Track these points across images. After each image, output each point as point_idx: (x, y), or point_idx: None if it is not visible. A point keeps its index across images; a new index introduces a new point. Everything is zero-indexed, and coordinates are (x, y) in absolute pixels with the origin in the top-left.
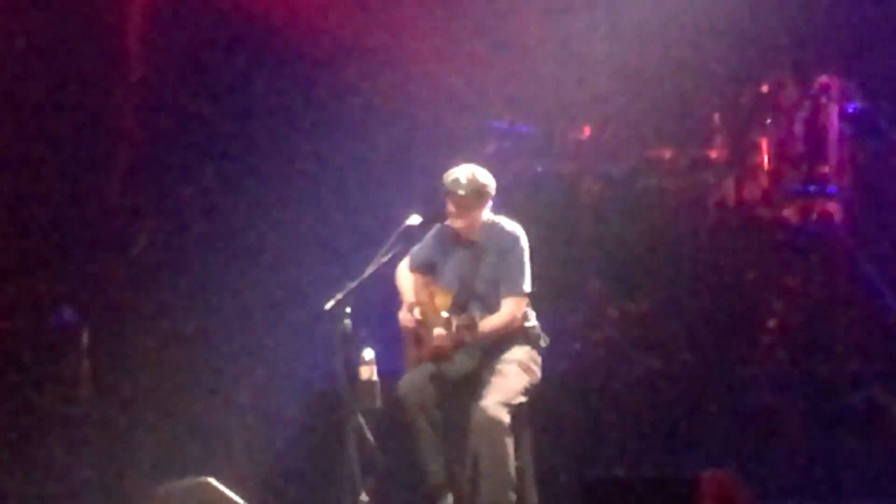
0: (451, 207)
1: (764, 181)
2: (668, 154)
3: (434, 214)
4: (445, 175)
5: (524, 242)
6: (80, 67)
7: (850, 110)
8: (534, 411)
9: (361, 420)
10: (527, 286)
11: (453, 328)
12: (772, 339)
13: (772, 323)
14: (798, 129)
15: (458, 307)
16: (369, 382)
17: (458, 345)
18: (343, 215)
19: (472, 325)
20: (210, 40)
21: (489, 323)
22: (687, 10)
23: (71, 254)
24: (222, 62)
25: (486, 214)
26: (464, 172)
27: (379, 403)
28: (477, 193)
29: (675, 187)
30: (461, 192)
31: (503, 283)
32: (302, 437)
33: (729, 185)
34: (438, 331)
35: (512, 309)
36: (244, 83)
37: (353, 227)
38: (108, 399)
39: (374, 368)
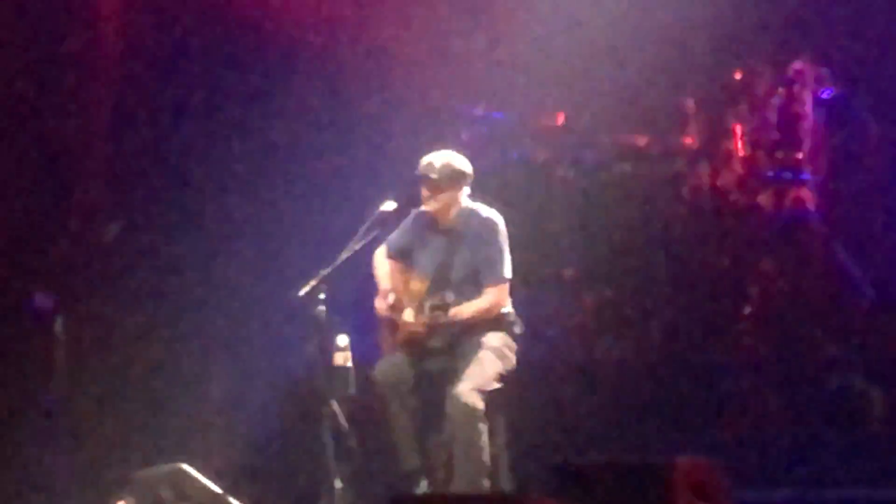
0: (424, 192)
1: (738, 168)
2: (641, 141)
3: (410, 200)
4: (421, 160)
5: (502, 229)
6: (53, 54)
7: (825, 97)
8: (508, 398)
9: (336, 406)
10: (507, 272)
11: (426, 312)
12: (747, 325)
13: (747, 310)
14: (772, 115)
15: (434, 294)
16: (344, 369)
17: (431, 329)
18: (318, 201)
19: (443, 307)
20: (184, 30)
21: (469, 309)
22: None
23: (44, 241)
24: (196, 52)
25: (464, 201)
26: (438, 157)
27: (353, 390)
28: (450, 177)
29: (648, 174)
30: (434, 175)
31: (483, 271)
32: (276, 423)
33: (703, 171)
34: (409, 314)
35: (494, 297)
36: (218, 72)
37: (327, 213)
38: (82, 387)
39: (349, 355)
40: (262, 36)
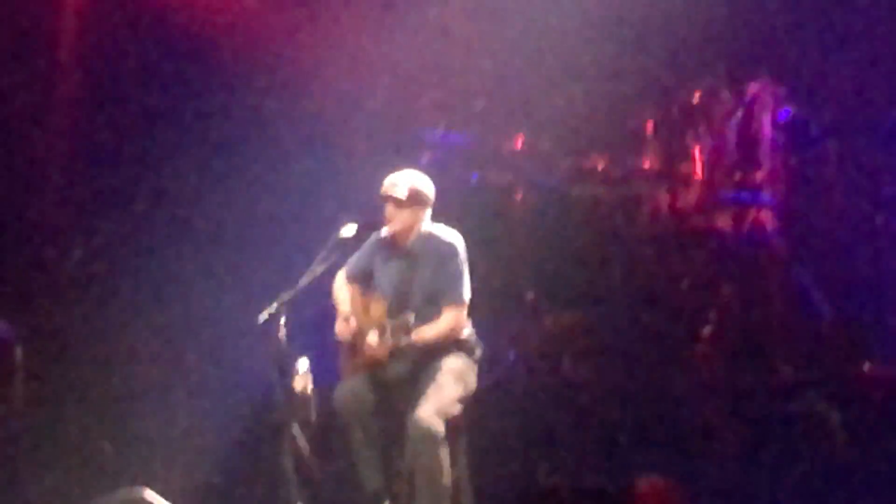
0: (389, 212)
1: (697, 189)
2: (601, 163)
3: (370, 224)
4: (384, 181)
5: (462, 251)
6: (10, 80)
7: (783, 118)
8: (469, 421)
9: (297, 431)
10: (466, 295)
11: (388, 334)
12: (707, 347)
13: (706, 331)
14: (730, 136)
15: (394, 316)
16: (304, 393)
17: (393, 351)
18: (278, 226)
19: (406, 329)
20: (143, 53)
21: (429, 332)
22: (619, 19)
23: (4, 268)
24: (156, 73)
25: (425, 224)
26: (403, 176)
27: (314, 414)
28: (416, 197)
29: (608, 196)
30: (399, 194)
31: (442, 293)
32: (237, 448)
33: (662, 193)
34: (372, 337)
35: (452, 319)
36: (179, 95)
37: (286, 237)
38: (43, 414)
39: (310, 379)
40: (222, 61)
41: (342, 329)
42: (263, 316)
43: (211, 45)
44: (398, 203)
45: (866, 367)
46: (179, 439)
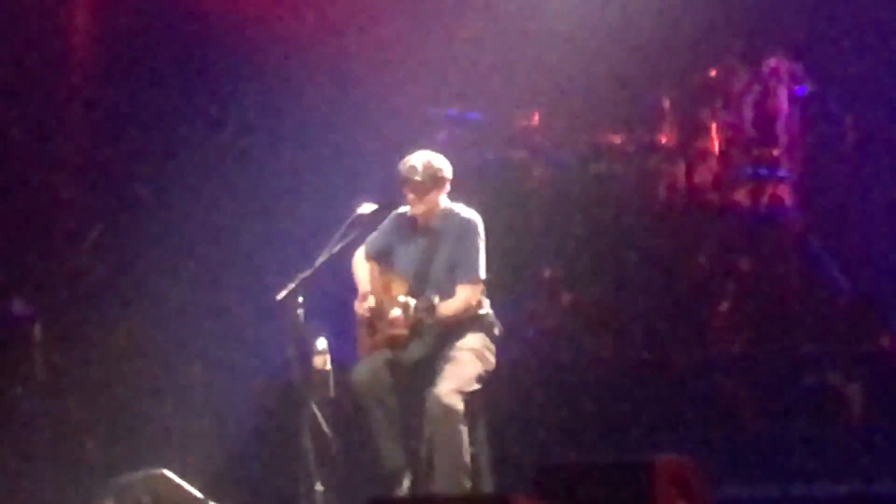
0: (409, 195)
1: (714, 165)
2: (618, 139)
3: (388, 202)
4: (401, 163)
5: (481, 229)
6: (28, 60)
7: (800, 93)
8: (488, 398)
9: (316, 409)
10: (482, 273)
11: (411, 312)
12: (724, 322)
13: (724, 307)
14: (748, 112)
15: (414, 294)
16: (323, 372)
17: (415, 329)
18: (296, 205)
19: (430, 308)
20: (158, 33)
21: (445, 309)
22: None
23: (22, 246)
24: (171, 54)
25: (444, 201)
26: (419, 158)
27: (332, 392)
28: (433, 178)
29: (625, 173)
30: (417, 178)
31: (459, 270)
32: (256, 427)
33: (679, 169)
34: (395, 313)
35: (467, 295)
36: (194, 74)
37: (305, 216)
38: (61, 392)
39: (328, 358)
40: (237, 41)
41: (361, 307)
42: (282, 295)
43: (226, 29)
44: (418, 187)
45: (884, 340)
46: (198, 419)
